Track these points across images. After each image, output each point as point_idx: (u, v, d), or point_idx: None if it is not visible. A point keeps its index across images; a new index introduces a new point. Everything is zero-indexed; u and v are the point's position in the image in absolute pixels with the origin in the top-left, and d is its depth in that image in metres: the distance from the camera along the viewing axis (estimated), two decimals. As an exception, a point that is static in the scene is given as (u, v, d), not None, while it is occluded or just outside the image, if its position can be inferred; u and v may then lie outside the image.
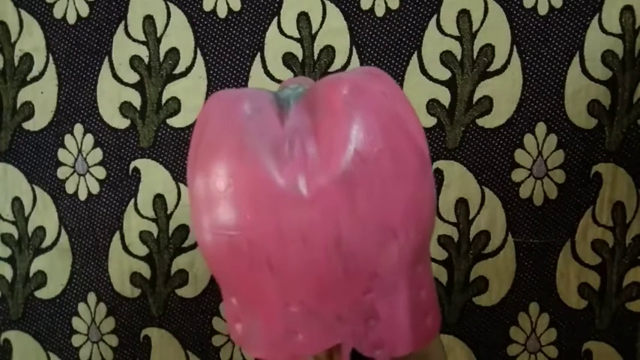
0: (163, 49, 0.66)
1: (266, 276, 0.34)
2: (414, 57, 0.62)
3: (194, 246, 0.67)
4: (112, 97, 0.67)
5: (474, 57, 0.62)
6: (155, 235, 0.68)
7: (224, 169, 0.35)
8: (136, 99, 0.67)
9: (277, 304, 0.35)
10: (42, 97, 0.68)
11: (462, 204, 0.64)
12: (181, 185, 0.67)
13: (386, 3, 0.62)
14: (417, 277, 0.37)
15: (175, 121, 0.66)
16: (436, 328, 0.39)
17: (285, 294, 0.35)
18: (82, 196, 0.69)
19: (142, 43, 0.66)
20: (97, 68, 0.67)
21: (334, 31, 0.63)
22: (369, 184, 0.34)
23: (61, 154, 0.69)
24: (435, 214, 0.40)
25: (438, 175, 0.63)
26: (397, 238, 0.35)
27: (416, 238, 0.36)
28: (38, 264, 0.71)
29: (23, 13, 0.67)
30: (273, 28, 0.64)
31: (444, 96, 0.62)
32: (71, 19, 0.67)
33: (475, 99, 0.62)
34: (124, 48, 0.66)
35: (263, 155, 0.34)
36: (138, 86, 0.67)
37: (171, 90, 0.66)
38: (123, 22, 0.66)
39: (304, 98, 0.38)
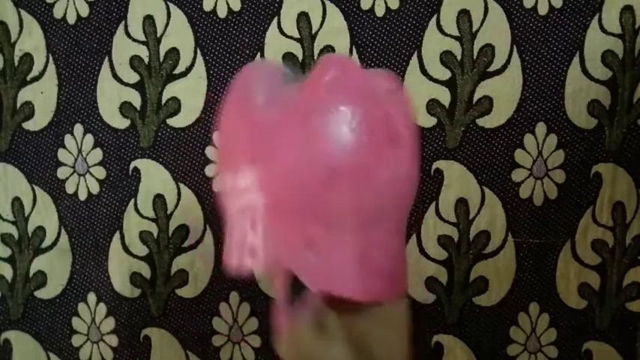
0: (163, 49, 0.66)
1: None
2: (414, 57, 0.62)
3: (194, 246, 0.67)
4: (112, 97, 0.67)
5: (474, 57, 0.62)
6: (155, 235, 0.68)
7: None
8: (136, 99, 0.67)
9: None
10: (42, 97, 0.68)
11: (462, 204, 0.64)
12: (181, 185, 0.67)
13: (386, 3, 0.62)
14: (370, 238, 0.37)
15: (175, 121, 0.66)
16: (387, 296, 0.38)
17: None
18: (82, 196, 0.69)
19: (142, 43, 0.66)
20: (97, 68, 0.67)
21: (334, 31, 0.63)
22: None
23: (61, 154, 0.69)
24: (415, 190, 0.40)
25: (438, 175, 0.63)
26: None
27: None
28: (38, 264, 0.71)
29: (23, 13, 0.67)
30: (273, 28, 0.64)
31: (444, 96, 0.62)
32: (71, 19, 0.67)
33: (475, 99, 0.62)
34: (124, 48, 0.66)
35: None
36: (138, 86, 0.67)
37: (171, 90, 0.66)
38: (123, 22, 0.66)
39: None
